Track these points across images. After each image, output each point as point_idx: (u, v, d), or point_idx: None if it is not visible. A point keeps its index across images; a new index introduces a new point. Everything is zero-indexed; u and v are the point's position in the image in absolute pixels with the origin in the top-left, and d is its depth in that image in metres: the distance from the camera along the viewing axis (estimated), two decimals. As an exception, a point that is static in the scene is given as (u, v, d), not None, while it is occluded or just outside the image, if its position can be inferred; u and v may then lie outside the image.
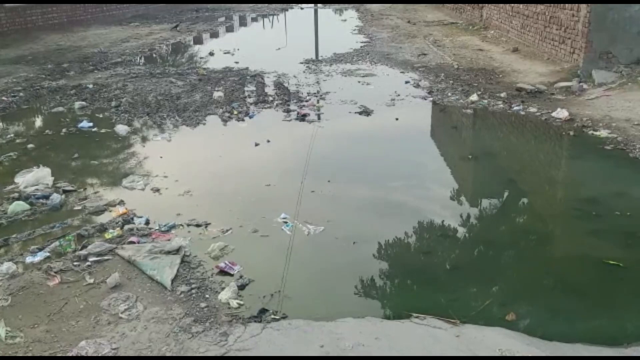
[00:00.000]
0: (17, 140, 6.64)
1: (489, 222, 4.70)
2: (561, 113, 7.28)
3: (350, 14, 22.87)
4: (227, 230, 4.34)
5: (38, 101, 8.54)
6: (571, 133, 6.66)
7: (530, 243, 4.27)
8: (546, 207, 5.06)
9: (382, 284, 3.73)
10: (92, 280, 3.61)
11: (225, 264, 3.81)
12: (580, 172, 5.90)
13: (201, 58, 12.83)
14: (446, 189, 5.24)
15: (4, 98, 8.51)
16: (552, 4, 10.31)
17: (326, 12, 24.76)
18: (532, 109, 7.65)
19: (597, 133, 6.60)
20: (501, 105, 7.91)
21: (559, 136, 6.76)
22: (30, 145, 6.45)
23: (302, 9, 26.46)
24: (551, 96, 8.26)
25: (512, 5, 12.72)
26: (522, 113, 7.58)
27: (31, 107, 8.25)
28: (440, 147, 6.69)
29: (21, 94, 8.83)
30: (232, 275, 3.72)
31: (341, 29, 17.87)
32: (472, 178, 5.56)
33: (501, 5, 13.72)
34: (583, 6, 9.04)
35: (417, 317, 3.28)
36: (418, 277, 3.88)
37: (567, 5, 9.69)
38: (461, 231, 4.45)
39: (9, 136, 6.81)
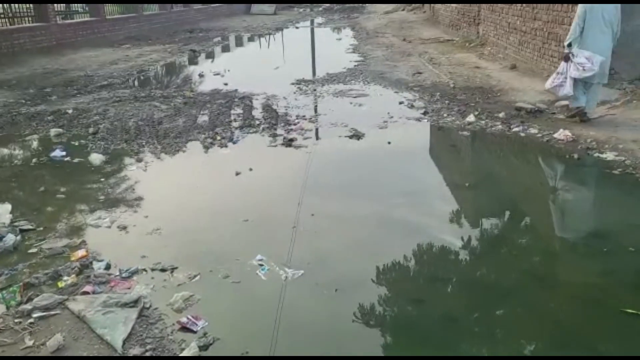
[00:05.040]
0: (-18, 173, 6.22)
1: (485, 262, 4.21)
2: (563, 134, 6.85)
3: (346, 32, 22.58)
4: (195, 276, 3.87)
5: (13, 128, 8.10)
6: (575, 156, 6.22)
7: (532, 287, 3.77)
8: (549, 242, 4.59)
9: (361, 342, 3.25)
10: (31, 343, 3.13)
11: (188, 318, 3.34)
12: (586, 201, 5.46)
13: (189, 80, 12.46)
14: (437, 225, 4.75)
15: (-24, 126, 8.11)
16: (550, 21, 9.96)
17: (322, 31, 24.47)
18: (533, 130, 7.21)
19: (603, 155, 6.16)
20: (500, 126, 7.47)
21: (561, 159, 6.31)
22: (-6, 178, 6.02)
23: (297, 27, 26.23)
24: (552, 115, 7.84)
25: (509, 21, 12.38)
26: (522, 134, 7.14)
27: (4, 135, 7.81)
28: (433, 176, 6.24)
29: (-4, 121, 8.43)
30: (195, 332, 3.26)
31: (335, 48, 17.53)
32: (467, 210, 5.10)
33: (498, 21, 13.39)
34: (583, 21, 8.65)
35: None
36: (405, 331, 3.40)
37: (565, 20, 9.31)
38: (455, 274, 3.99)
39: (-26, 168, 6.38)
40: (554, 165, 6.43)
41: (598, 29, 6.99)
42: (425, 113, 8.33)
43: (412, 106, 8.81)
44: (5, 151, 7.22)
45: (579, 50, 7.10)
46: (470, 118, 7.82)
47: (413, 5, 28.58)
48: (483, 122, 7.69)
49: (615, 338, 3.20)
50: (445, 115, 8.16)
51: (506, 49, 12.74)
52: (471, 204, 5.39)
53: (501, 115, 7.93)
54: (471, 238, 4.48)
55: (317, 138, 7.37)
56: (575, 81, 7.18)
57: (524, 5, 11.36)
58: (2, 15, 16.06)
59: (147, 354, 3.07)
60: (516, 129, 7.29)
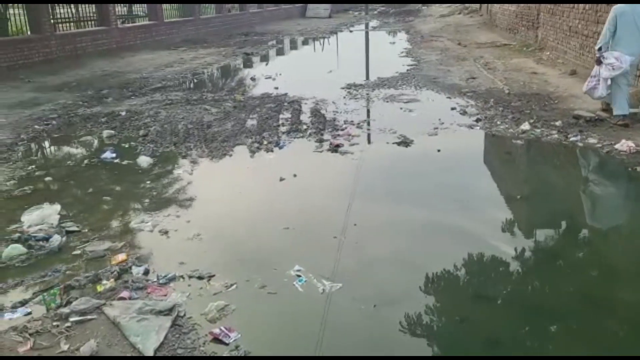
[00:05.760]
0: (37, 172, 6.38)
1: (535, 280, 3.98)
2: (626, 145, 6.46)
3: (400, 36, 22.33)
4: (231, 285, 3.82)
5: (69, 129, 8.35)
6: (638, 169, 5.85)
7: (586, 310, 3.54)
8: (606, 262, 4.30)
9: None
10: (66, 347, 3.15)
11: (221, 330, 3.29)
12: (649, 218, 5.10)
13: (241, 83, 12.55)
14: (484, 239, 4.52)
15: (36, 126, 8.38)
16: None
17: (376, 34, 24.26)
18: (592, 140, 6.85)
19: (670, 169, 5.77)
20: (556, 136, 7.13)
21: (623, 172, 5.95)
22: (47, 178, 6.18)
23: (351, 31, 26.12)
24: (614, 125, 7.41)
25: (570, 25, 11.87)
26: (580, 144, 6.79)
27: (61, 136, 8.06)
28: (482, 186, 5.96)
29: (54, 121, 8.69)
30: (227, 344, 3.20)
31: (389, 51, 17.35)
32: (519, 225, 4.84)
33: (558, 25, 12.87)
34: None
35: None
36: (444, 351, 3.24)
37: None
38: (504, 293, 3.79)
39: (29, 167, 6.57)
40: (614, 179, 6.07)
41: (630, 33, 7.12)
42: (477, 120, 8.06)
43: (464, 112, 8.55)
44: (61, 152, 7.44)
45: (609, 52, 7.28)
46: (525, 126, 7.49)
47: (470, 8, 28.03)
48: (538, 130, 7.36)
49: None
50: (498, 122, 7.86)
51: (566, 54, 12.23)
52: (523, 217, 5.13)
53: (558, 123, 7.58)
54: (522, 254, 4.25)
55: (365, 144, 7.24)
56: (617, 89, 7.34)
57: (587, 7, 10.87)
58: (69, 20, 16.70)
59: (178, 364, 3.03)
60: (574, 139, 6.94)
